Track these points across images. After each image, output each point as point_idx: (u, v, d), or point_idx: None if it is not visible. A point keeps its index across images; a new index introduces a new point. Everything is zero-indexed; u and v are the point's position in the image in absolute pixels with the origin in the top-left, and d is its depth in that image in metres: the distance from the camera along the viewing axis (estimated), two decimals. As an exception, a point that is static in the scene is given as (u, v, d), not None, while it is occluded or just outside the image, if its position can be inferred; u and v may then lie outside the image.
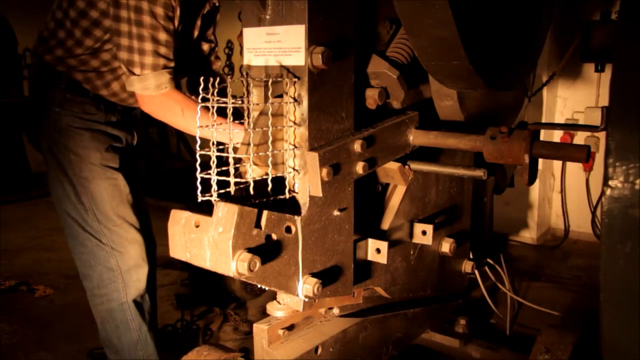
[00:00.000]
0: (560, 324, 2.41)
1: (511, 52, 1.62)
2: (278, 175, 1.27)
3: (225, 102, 1.18)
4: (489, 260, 2.36)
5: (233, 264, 1.10)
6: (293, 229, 1.23)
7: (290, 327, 1.51)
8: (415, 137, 1.51)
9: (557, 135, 3.97)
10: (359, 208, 1.40)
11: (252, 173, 1.21)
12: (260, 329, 1.45)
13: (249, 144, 1.20)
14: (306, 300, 1.31)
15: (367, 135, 1.37)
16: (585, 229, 4.02)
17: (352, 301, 1.57)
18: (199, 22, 2.00)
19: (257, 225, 1.14)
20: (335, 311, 1.56)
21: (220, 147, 1.21)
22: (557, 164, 4.09)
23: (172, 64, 1.77)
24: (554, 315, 2.63)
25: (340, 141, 1.31)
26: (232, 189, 1.18)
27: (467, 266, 2.03)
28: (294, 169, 1.27)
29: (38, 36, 1.94)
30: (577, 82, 3.94)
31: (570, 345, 1.73)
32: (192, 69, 2.13)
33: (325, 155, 1.25)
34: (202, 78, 1.17)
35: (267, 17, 1.28)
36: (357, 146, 1.33)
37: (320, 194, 1.26)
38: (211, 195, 1.17)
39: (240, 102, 1.25)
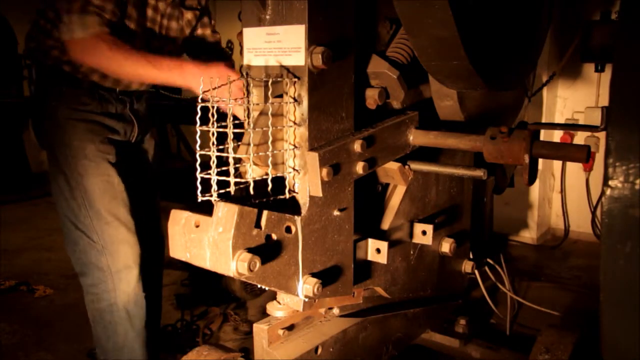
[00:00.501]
0: (560, 324, 2.42)
1: (511, 52, 1.62)
2: (278, 175, 1.27)
3: (226, 102, 1.18)
4: (489, 260, 2.36)
5: (233, 264, 1.10)
6: (293, 229, 1.23)
7: (290, 327, 1.51)
8: (415, 137, 1.51)
9: (557, 135, 3.97)
10: (359, 208, 1.40)
11: (252, 173, 1.21)
12: (260, 329, 1.45)
13: (249, 144, 1.20)
14: (306, 300, 1.31)
15: (367, 135, 1.36)
16: (585, 229, 4.02)
17: (352, 301, 1.57)
18: None
19: (257, 225, 1.14)
20: (335, 311, 1.56)
21: (220, 147, 1.21)
22: (557, 164, 4.09)
23: (106, 15, 1.74)
24: (554, 315, 2.62)
25: (340, 141, 1.31)
26: (232, 189, 1.18)
27: (467, 266, 2.02)
28: (294, 169, 1.27)
29: (27, 35, 1.96)
30: (577, 82, 3.94)
31: (570, 345, 1.73)
32: (191, 47, 2.10)
33: (325, 155, 1.25)
34: (201, 78, 1.17)
35: (267, 17, 1.28)
36: (357, 146, 1.33)
37: (320, 194, 1.26)
38: (211, 195, 1.17)
39: (240, 102, 1.25)
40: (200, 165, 1.19)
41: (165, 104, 5.20)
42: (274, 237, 1.19)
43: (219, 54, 2.22)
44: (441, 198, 1.80)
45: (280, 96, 1.27)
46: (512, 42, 1.61)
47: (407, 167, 1.54)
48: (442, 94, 1.65)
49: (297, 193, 1.28)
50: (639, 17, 1.02)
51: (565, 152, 1.36)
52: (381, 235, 1.54)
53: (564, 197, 4.07)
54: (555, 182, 4.15)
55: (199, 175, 1.18)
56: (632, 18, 1.03)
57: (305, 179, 1.26)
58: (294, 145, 1.27)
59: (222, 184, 1.18)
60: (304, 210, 1.26)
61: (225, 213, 1.10)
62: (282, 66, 1.26)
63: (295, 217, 1.23)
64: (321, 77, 1.26)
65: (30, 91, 6.48)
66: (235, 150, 1.20)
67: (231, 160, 1.18)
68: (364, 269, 1.51)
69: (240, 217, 1.10)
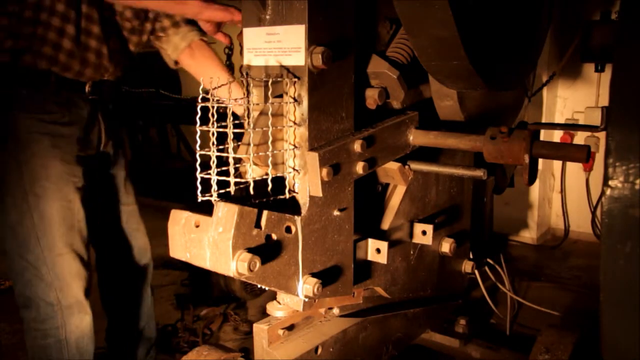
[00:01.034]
0: (560, 324, 2.42)
1: (511, 52, 1.62)
2: (278, 175, 1.27)
3: (225, 102, 1.18)
4: (489, 260, 2.36)
5: (233, 264, 1.10)
6: (293, 229, 1.23)
7: (290, 327, 1.51)
8: (415, 137, 1.51)
9: (557, 135, 3.97)
10: (359, 208, 1.40)
11: (252, 173, 1.21)
12: (260, 329, 1.45)
13: (249, 144, 1.20)
14: (306, 300, 1.31)
15: (367, 135, 1.36)
16: (585, 229, 4.02)
17: (352, 301, 1.57)
18: None
19: (257, 225, 1.14)
20: (335, 311, 1.56)
21: (220, 147, 1.21)
22: (557, 164, 4.09)
23: None
24: (554, 315, 2.62)
25: (340, 141, 1.30)
26: (232, 189, 1.18)
27: (467, 266, 2.02)
28: (294, 169, 1.27)
29: None
30: (577, 82, 3.94)
31: (570, 345, 1.73)
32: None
33: (325, 155, 1.25)
34: (202, 78, 1.17)
35: (267, 17, 1.28)
36: (357, 146, 1.33)
37: (320, 194, 1.26)
38: (211, 195, 1.17)
39: (240, 102, 1.25)
40: (200, 165, 1.19)
41: (165, 104, 5.20)
42: (274, 237, 1.19)
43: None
44: (441, 198, 1.80)
45: (280, 96, 1.27)
46: (512, 42, 1.61)
47: (407, 167, 1.54)
48: (442, 94, 1.65)
49: (297, 193, 1.28)
50: (639, 17, 1.02)
51: (565, 152, 1.36)
52: (381, 235, 1.54)
53: (564, 197, 4.07)
54: (555, 182, 4.15)
55: (199, 175, 1.18)
56: (632, 18, 1.03)
57: (305, 179, 1.26)
58: (294, 145, 1.27)
59: (222, 184, 1.18)
60: (304, 210, 1.26)
61: (225, 213, 1.10)
62: (282, 66, 1.26)
63: (295, 217, 1.23)
64: (321, 77, 1.26)
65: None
66: (235, 150, 1.20)
67: (231, 160, 1.18)
68: (364, 269, 1.51)
69: (240, 217, 1.10)
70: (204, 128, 1.17)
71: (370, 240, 1.48)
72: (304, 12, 1.21)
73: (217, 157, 1.20)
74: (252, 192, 1.21)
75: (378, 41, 1.58)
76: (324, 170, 1.24)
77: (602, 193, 0.98)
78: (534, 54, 1.82)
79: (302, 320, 1.54)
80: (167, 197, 4.41)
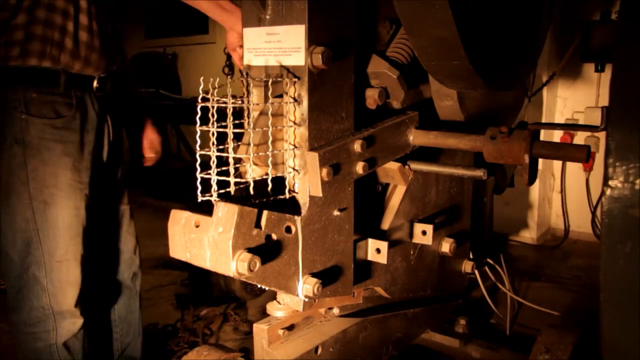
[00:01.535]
0: (560, 324, 2.42)
1: (511, 52, 1.62)
2: (278, 175, 1.27)
3: (225, 102, 1.18)
4: (489, 260, 2.36)
5: (233, 264, 1.09)
6: (293, 229, 1.23)
7: (290, 327, 1.51)
8: (415, 137, 1.51)
9: (557, 135, 3.97)
10: (359, 208, 1.40)
11: (252, 173, 1.21)
12: (260, 329, 1.45)
13: (249, 144, 1.21)
14: (306, 300, 1.31)
15: (367, 135, 1.37)
16: (585, 229, 4.02)
17: (352, 301, 1.57)
18: None
19: (257, 225, 1.14)
20: (335, 311, 1.56)
21: (220, 147, 1.21)
22: (557, 164, 4.09)
23: None
24: (554, 315, 2.62)
25: (340, 141, 1.31)
26: (232, 189, 1.18)
27: (467, 266, 2.03)
28: (294, 169, 1.27)
29: None
30: (577, 82, 3.94)
31: (570, 345, 1.73)
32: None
33: (325, 155, 1.25)
34: (202, 78, 1.17)
35: (267, 17, 1.28)
36: (357, 146, 1.33)
37: (320, 194, 1.26)
38: (211, 195, 1.17)
39: (240, 102, 1.25)
40: (200, 165, 1.19)
41: (165, 104, 5.20)
42: (274, 237, 1.19)
43: None
44: (441, 198, 1.80)
45: (280, 96, 1.27)
46: (512, 42, 1.61)
47: (407, 167, 1.54)
48: (442, 94, 1.65)
49: (297, 193, 1.28)
50: (639, 17, 1.02)
51: (565, 152, 1.36)
52: (381, 235, 1.54)
53: (564, 197, 4.07)
54: (555, 182, 4.15)
55: (199, 175, 1.18)
56: (632, 18, 1.03)
57: (305, 179, 1.26)
58: (294, 145, 1.27)
59: (222, 184, 1.18)
60: (304, 210, 1.26)
61: (225, 213, 1.10)
62: (282, 66, 1.26)
63: (295, 217, 1.23)
64: (321, 77, 1.26)
65: None
66: (235, 150, 1.20)
67: (231, 160, 1.18)
68: (364, 269, 1.51)
69: (240, 217, 1.10)
70: (204, 128, 1.17)
71: (370, 240, 1.48)
72: (304, 12, 1.21)
73: (217, 157, 1.20)
74: (252, 192, 1.21)
75: (378, 41, 1.58)
76: (324, 170, 1.24)
77: (602, 193, 0.98)
78: (534, 54, 1.82)
79: (302, 320, 1.54)
80: (167, 197, 4.41)
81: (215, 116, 1.17)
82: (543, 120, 3.88)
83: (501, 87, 1.70)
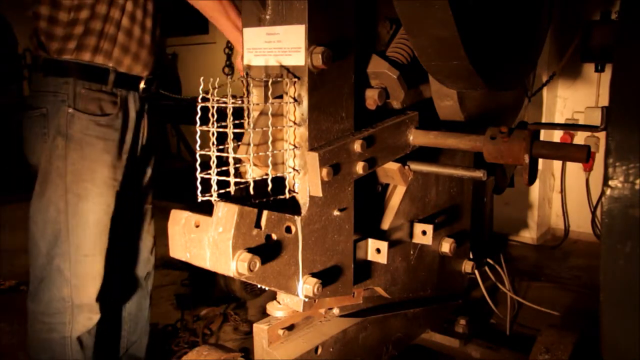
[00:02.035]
0: (560, 324, 2.42)
1: (511, 52, 1.62)
2: (278, 175, 1.27)
3: (225, 102, 1.18)
4: (489, 260, 2.36)
5: (233, 264, 1.09)
6: (293, 229, 1.23)
7: (290, 327, 1.51)
8: (415, 137, 1.51)
9: (557, 135, 3.97)
10: (359, 208, 1.40)
11: (252, 173, 1.21)
12: (260, 329, 1.45)
13: (249, 144, 1.20)
14: (306, 300, 1.31)
15: (367, 135, 1.37)
16: (585, 229, 4.02)
17: (352, 301, 1.57)
18: None
19: (257, 225, 1.14)
20: (335, 311, 1.56)
21: (220, 147, 1.21)
22: (557, 164, 4.09)
23: None
24: (554, 315, 2.62)
25: (340, 141, 1.31)
26: (232, 189, 1.18)
27: (467, 266, 2.03)
28: (294, 169, 1.27)
29: (29, 38, 1.78)
30: (577, 82, 3.94)
31: (570, 345, 1.73)
32: None
33: (325, 155, 1.25)
34: (202, 78, 1.17)
35: (267, 17, 1.28)
36: (357, 146, 1.33)
37: (320, 194, 1.26)
38: (211, 195, 1.17)
39: (240, 102, 1.25)
40: (200, 165, 1.19)
41: (165, 103, 5.20)
42: (274, 237, 1.19)
43: None
44: (441, 198, 1.80)
45: (281, 96, 1.27)
46: (512, 42, 1.61)
47: (407, 167, 1.54)
48: (442, 94, 1.65)
49: (297, 193, 1.28)
50: (639, 17, 1.02)
51: (565, 152, 1.36)
52: (381, 235, 1.54)
53: (564, 197, 4.07)
54: (555, 182, 4.15)
55: (199, 175, 1.18)
56: (632, 18, 1.03)
57: (305, 179, 1.26)
58: (294, 145, 1.27)
59: (222, 184, 1.18)
60: (304, 210, 1.26)
61: (225, 213, 1.10)
62: (282, 66, 1.26)
63: (295, 217, 1.23)
64: (321, 77, 1.26)
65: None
66: (235, 150, 1.20)
67: (231, 160, 1.18)
68: (364, 269, 1.51)
69: (240, 217, 1.10)
70: (204, 128, 1.17)
71: (370, 240, 1.48)
72: (304, 12, 1.21)
73: (217, 157, 1.20)
74: (252, 192, 1.21)
75: (378, 41, 1.58)
76: (324, 170, 1.24)
77: (602, 193, 0.98)
78: (534, 54, 1.82)
79: (302, 320, 1.54)
80: (167, 197, 4.41)
81: (215, 116, 1.17)
82: (543, 120, 3.88)
83: (501, 87, 1.70)
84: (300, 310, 1.37)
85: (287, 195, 1.28)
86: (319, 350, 1.49)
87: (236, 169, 1.20)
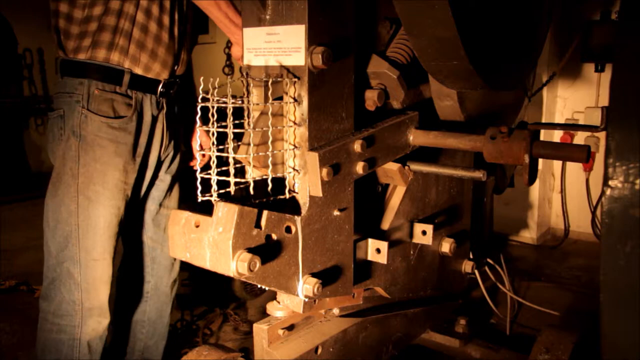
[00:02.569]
0: (560, 324, 2.42)
1: (511, 52, 1.62)
2: (278, 175, 1.27)
3: (225, 102, 1.18)
4: (489, 260, 2.36)
5: (233, 264, 1.09)
6: (293, 229, 1.23)
7: (290, 327, 1.51)
8: (415, 137, 1.51)
9: (557, 135, 3.97)
10: (359, 208, 1.40)
11: (252, 173, 1.21)
12: (260, 329, 1.45)
13: (249, 144, 1.21)
14: (306, 300, 1.31)
15: (367, 135, 1.36)
16: (585, 229, 4.02)
17: (352, 301, 1.57)
18: None
19: (257, 225, 1.14)
20: (335, 311, 1.56)
21: (220, 147, 1.21)
22: (557, 164, 4.09)
23: None
24: (554, 315, 2.63)
25: (340, 141, 1.30)
26: (232, 189, 1.18)
27: (467, 266, 2.02)
28: (294, 169, 1.27)
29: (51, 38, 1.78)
30: (577, 82, 3.94)
31: (570, 345, 1.73)
32: None
33: (325, 155, 1.25)
34: (201, 78, 1.17)
35: (267, 17, 1.28)
36: (357, 146, 1.33)
37: (320, 194, 1.26)
38: (211, 195, 1.17)
39: (240, 102, 1.25)
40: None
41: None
42: (274, 237, 1.19)
43: None
44: (441, 198, 1.80)
45: (281, 96, 1.27)
46: (512, 42, 1.61)
47: (407, 167, 1.54)
48: (442, 94, 1.65)
49: (297, 193, 1.28)
50: (639, 17, 1.02)
51: (565, 152, 1.36)
52: (381, 235, 1.54)
53: (564, 197, 4.07)
54: (555, 182, 4.15)
55: (199, 175, 1.18)
56: (632, 18, 1.03)
57: (305, 179, 1.26)
58: (294, 145, 1.27)
59: (222, 184, 1.18)
60: (304, 210, 1.26)
61: (225, 213, 1.10)
62: (282, 66, 1.26)
63: (295, 217, 1.23)
64: (321, 77, 1.26)
65: (31, 92, 6.48)
66: (235, 150, 1.20)
67: (231, 160, 1.18)
68: (364, 269, 1.51)
69: (240, 217, 1.10)
70: (204, 128, 1.17)
71: (370, 240, 1.48)
72: (304, 12, 1.21)
73: (217, 157, 1.20)
74: (252, 192, 1.21)
75: (378, 41, 1.58)
76: (324, 170, 1.24)
77: (602, 193, 0.98)
78: (534, 54, 1.82)
79: (302, 320, 1.54)
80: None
81: (215, 116, 1.17)
82: (543, 120, 3.88)
83: (501, 87, 1.70)
84: (301, 310, 1.37)
85: (287, 195, 1.28)
86: (319, 350, 1.49)
87: (236, 169, 1.20)
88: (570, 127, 3.78)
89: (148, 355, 2.15)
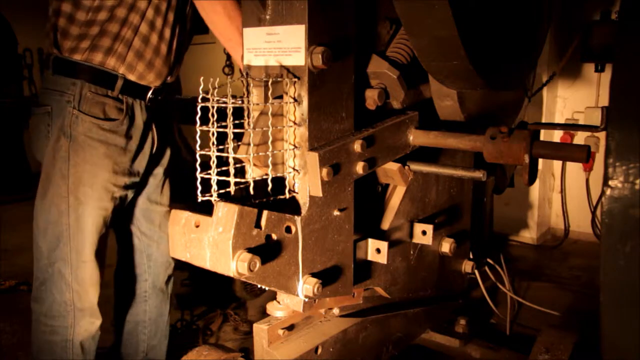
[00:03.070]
0: (560, 324, 2.42)
1: (511, 52, 1.62)
2: (278, 175, 1.27)
3: (225, 102, 1.18)
4: (489, 260, 2.36)
5: (233, 264, 1.10)
6: (293, 229, 1.23)
7: (290, 327, 1.51)
8: (415, 137, 1.51)
9: (557, 135, 3.97)
10: (359, 208, 1.40)
11: (252, 173, 1.21)
12: (260, 329, 1.45)
13: (249, 144, 1.20)
14: (306, 300, 1.31)
15: (367, 135, 1.36)
16: (585, 229, 4.02)
17: (352, 301, 1.57)
18: None
19: (257, 225, 1.14)
20: (335, 311, 1.56)
21: (220, 147, 1.21)
22: (557, 164, 4.09)
23: None
24: (554, 315, 2.62)
25: (340, 141, 1.30)
26: (232, 189, 1.18)
27: (467, 266, 2.03)
28: (294, 169, 1.27)
29: (45, 35, 1.77)
30: (577, 82, 3.94)
31: (570, 345, 1.73)
32: None
33: (325, 155, 1.25)
34: (201, 78, 1.17)
35: (267, 17, 1.28)
36: (357, 146, 1.33)
37: (320, 194, 1.26)
38: (211, 195, 1.17)
39: (240, 102, 1.25)
40: (200, 165, 1.19)
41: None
42: (274, 237, 1.19)
43: None
44: (441, 198, 1.80)
45: (281, 96, 1.27)
46: (512, 42, 1.61)
47: (407, 167, 1.54)
48: (442, 94, 1.65)
49: (297, 193, 1.28)
50: (639, 17, 1.02)
51: (565, 152, 1.36)
52: (381, 235, 1.54)
53: (564, 197, 4.07)
54: (555, 182, 4.15)
55: (199, 175, 1.18)
56: (632, 18, 1.03)
57: (305, 179, 1.26)
58: (294, 145, 1.27)
59: (222, 184, 1.18)
60: (304, 210, 1.26)
61: (225, 213, 1.10)
62: (282, 66, 1.26)
63: (295, 217, 1.23)
64: (321, 77, 1.26)
65: (31, 92, 6.48)
66: (235, 150, 1.20)
67: (231, 160, 1.18)
68: (364, 269, 1.51)
69: (240, 217, 1.10)
70: (204, 128, 1.17)
71: (370, 240, 1.48)
72: (304, 12, 1.21)
73: (217, 157, 1.20)
74: (252, 192, 1.21)
75: (378, 41, 1.58)
76: (324, 170, 1.24)
77: (602, 193, 0.98)
78: (534, 54, 1.82)
79: (302, 320, 1.54)
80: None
81: (215, 116, 1.17)
82: (543, 120, 3.88)
83: (501, 87, 1.70)
84: (301, 310, 1.37)
85: (287, 195, 1.28)
86: (319, 350, 1.49)
87: (236, 169, 1.20)
88: (570, 127, 3.78)
89: (152, 355, 2.15)
